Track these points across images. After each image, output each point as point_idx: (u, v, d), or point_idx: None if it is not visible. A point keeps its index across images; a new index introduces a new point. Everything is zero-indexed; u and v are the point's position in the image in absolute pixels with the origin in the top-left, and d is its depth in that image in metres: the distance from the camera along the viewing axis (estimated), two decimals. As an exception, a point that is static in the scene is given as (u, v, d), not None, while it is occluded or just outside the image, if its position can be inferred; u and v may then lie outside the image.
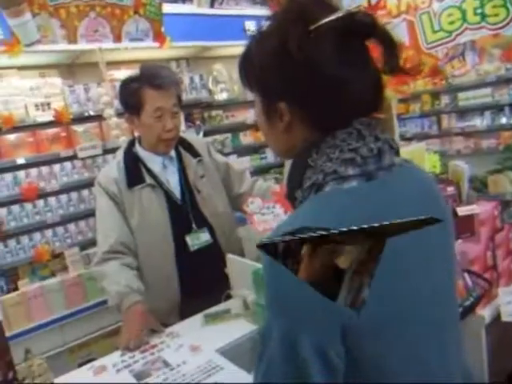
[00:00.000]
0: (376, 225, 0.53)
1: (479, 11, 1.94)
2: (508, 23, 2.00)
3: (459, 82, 4.57)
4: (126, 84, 1.76)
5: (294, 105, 0.71)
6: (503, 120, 4.51)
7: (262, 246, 0.64)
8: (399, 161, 0.74)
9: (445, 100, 4.87)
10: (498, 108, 4.53)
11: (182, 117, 3.53)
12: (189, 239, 1.78)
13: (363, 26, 0.68)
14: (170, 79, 1.73)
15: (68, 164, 3.02)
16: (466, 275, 1.43)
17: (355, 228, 0.51)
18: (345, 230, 0.51)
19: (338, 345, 0.61)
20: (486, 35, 1.92)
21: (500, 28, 2.01)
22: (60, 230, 3.01)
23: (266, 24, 0.74)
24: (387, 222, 0.53)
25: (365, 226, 0.51)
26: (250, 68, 0.76)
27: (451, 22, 1.97)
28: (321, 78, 0.68)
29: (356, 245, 0.56)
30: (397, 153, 0.75)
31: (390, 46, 0.69)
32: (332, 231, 0.52)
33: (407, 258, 0.67)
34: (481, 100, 4.55)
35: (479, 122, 4.67)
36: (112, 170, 1.82)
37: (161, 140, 1.75)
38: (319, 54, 0.67)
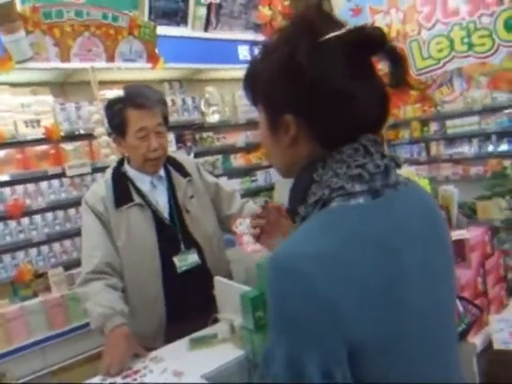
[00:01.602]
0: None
1: (466, 40, 1.99)
2: (494, 53, 2.06)
3: (447, 109, 4.66)
4: (111, 105, 1.75)
5: (300, 117, 0.70)
6: (490, 148, 4.59)
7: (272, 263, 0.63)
8: (403, 179, 0.74)
9: (433, 127, 4.95)
10: (484, 136, 4.61)
11: (172, 137, 3.54)
12: (176, 260, 1.74)
13: (373, 39, 0.68)
14: (153, 99, 1.72)
15: (56, 182, 2.99)
16: (457, 301, 1.41)
17: None
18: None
19: (345, 365, 0.59)
20: (474, 63, 1.96)
21: (486, 57, 2.06)
22: (45, 248, 2.95)
23: (272, 39, 0.74)
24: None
25: None
26: (257, 82, 0.76)
27: (440, 50, 2.01)
28: (328, 91, 0.67)
29: None
30: None
31: (398, 59, 0.69)
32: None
33: (412, 277, 0.66)
34: (468, 128, 4.62)
35: (467, 149, 4.74)
36: (100, 188, 1.79)
37: (147, 160, 1.74)
38: (327, 67, 0.67)
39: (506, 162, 4.15)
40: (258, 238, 1.16)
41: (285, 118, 0.71)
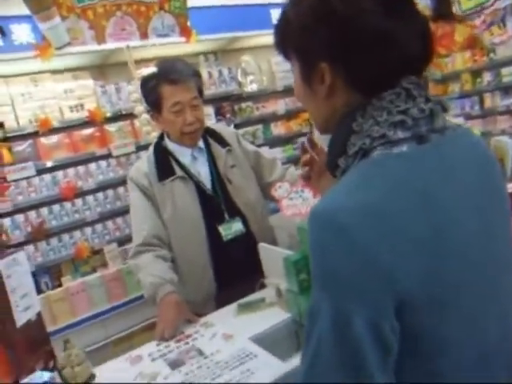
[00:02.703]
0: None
1: (519, -28, 1.80)
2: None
3: (501, 56, 4.30)
4: (145, 82, 1.77)
5: (336, 63, 0.66)
6: (552, 95, 4.22)
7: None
8: (452, 124, 0.69)
9: (487, 77, 4.59)
10: (546, 82, 4.23)
11: (211, 110, 3.54)
12: (221, 229, 1.77)
13: None
14: (186, 72, 1.71)
15: (103, 162, 3.10)
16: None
17: None
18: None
19: (393, 319, 0.58)
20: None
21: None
22: (98, 227, 3.10)
23: None
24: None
25: None
26: (288, 32, 0.72)
27: (488, -13, 1.84)
28: (364, 32, 0.63)
29: None
30: None
31: None
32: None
33: (464, 227, 0.62)
34: (527, 74, 4.26)
35: (526, 99, 4.38)
36: (143, 164, 1.83)
37: (184, 133, 1.75)
38: (362, 6, 0.62)
39: None
40: (307, 179, 1.05)
41: (319, 66, 0.67)
